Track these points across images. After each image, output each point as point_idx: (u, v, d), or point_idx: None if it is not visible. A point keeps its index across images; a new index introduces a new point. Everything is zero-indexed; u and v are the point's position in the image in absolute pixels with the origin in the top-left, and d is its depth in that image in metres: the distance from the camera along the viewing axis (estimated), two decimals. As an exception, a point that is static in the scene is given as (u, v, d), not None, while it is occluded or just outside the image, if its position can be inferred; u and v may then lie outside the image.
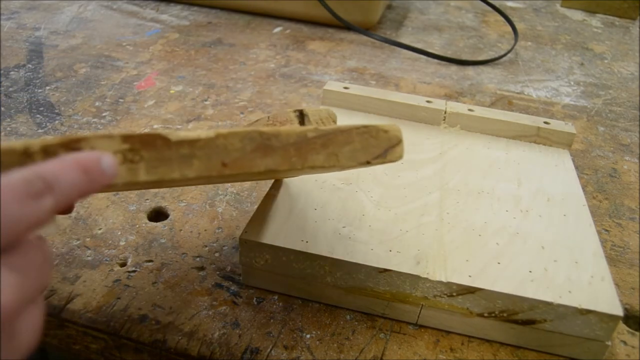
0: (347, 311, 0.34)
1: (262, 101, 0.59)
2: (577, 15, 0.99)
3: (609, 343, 0.31)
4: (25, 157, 0.20)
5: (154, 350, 0.32)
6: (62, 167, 0.20)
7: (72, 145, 0.20)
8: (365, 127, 0.26)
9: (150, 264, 0.37)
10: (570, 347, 0.32)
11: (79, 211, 0.41)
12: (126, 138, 0.21)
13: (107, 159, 0.21)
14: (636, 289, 0.38)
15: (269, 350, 0.31)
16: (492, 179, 0.42)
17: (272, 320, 0.33)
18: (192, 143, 0.22)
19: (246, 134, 0.24)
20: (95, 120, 0.53)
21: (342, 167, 0.27)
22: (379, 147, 0.26)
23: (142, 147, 0.22)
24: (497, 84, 0.68)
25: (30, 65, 0.64)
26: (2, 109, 0.54)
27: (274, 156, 0.24)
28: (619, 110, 0.65)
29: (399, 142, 0.27)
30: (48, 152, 0.20)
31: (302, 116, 0.33)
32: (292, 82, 0.64)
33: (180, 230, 0.40)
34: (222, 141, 0.23)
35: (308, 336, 0.32)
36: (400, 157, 0.27)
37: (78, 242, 0.38)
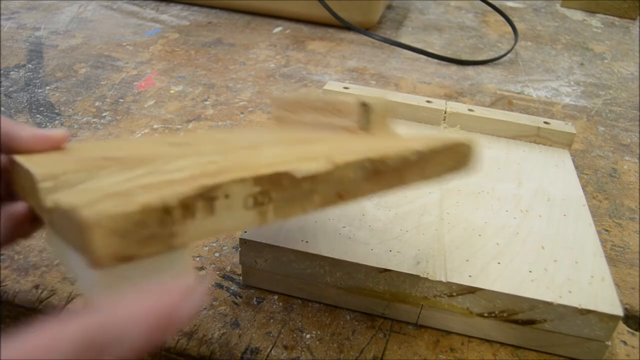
0: (347, 311, 0.34)
1: (262, 101, 0.59)
2: (577, 15, 0.99)
3: (609, 343, 0.31)
4: (165, 214, 0.18)
5: (154, 350, 0.32)
6: (132, 324, 0.15)
7: (208, 195, 0.19)
8: (452, 143, 0.26)
9: (150, 264, 0.37)
10: (570, 347, 0.32)
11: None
12: (257, 180, 0.20)
13: (196, 296, 0.17)
14: (636, 289, 0.38)
15: (269, 350, 0.31)
16: (492, 179, 0.42)
17: (272, 320, 0.33)
18: (313, 179, 0.22)
19: (358, 164, 0.23)
20: (95, 120, 0.53)
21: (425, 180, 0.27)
22: (453, 160, 0.26)
23: (271, 187, 0.21)
24: (497, 84, 0.68)
25: (30, 65, 0.64)
26: (2, 109, 0.54)
27: (379, 182, 0.24)
28: (619, 110, 0.65)
29: (470, 151, 0.27)
30: (186, 206, 0.18)
31: (366, 111, 0.31)
32: (292, 82, 0.64)
33: (180, 230, 0.40)
34: (338, 173, 0.22)
35: (308, 336, 0.32)
36: (469, 165, 0.27)
37: (78, 242, 0.38)
